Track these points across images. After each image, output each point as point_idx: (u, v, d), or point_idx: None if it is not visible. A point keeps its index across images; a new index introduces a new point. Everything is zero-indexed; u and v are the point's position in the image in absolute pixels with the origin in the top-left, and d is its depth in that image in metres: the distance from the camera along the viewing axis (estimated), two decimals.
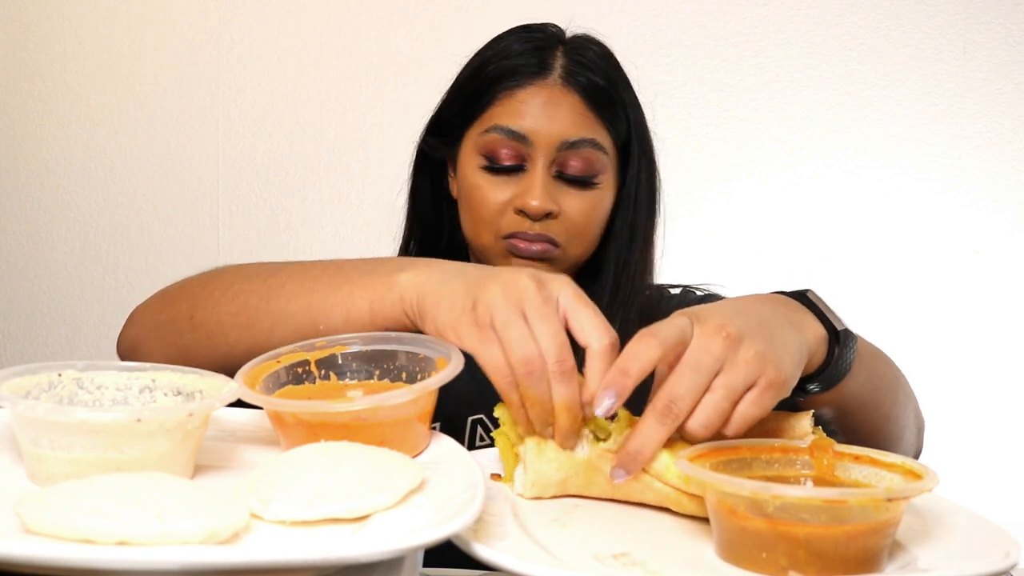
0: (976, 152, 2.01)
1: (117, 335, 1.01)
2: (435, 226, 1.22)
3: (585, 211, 1.10)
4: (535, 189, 1.08)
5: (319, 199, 2.17)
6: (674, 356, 0.71)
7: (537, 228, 1.08)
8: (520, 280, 0.74)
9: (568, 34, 1.16)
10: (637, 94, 1.17)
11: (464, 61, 1.18)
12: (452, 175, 1.19)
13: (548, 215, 1.08)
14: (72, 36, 2.23)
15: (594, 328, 0.73)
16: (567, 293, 0.75)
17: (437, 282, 0.79)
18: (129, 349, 0.99)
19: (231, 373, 0.81)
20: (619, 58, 1.18)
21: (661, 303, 1.19)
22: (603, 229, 1.15)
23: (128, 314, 1.01)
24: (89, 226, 2.24)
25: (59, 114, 2.25)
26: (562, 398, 0.71)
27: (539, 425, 0.73)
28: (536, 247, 1.09)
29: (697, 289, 1.23)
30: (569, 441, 0.73)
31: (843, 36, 2.04)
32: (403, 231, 1.24)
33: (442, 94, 1.19)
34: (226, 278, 0.94)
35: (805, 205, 2.05)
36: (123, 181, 2.23)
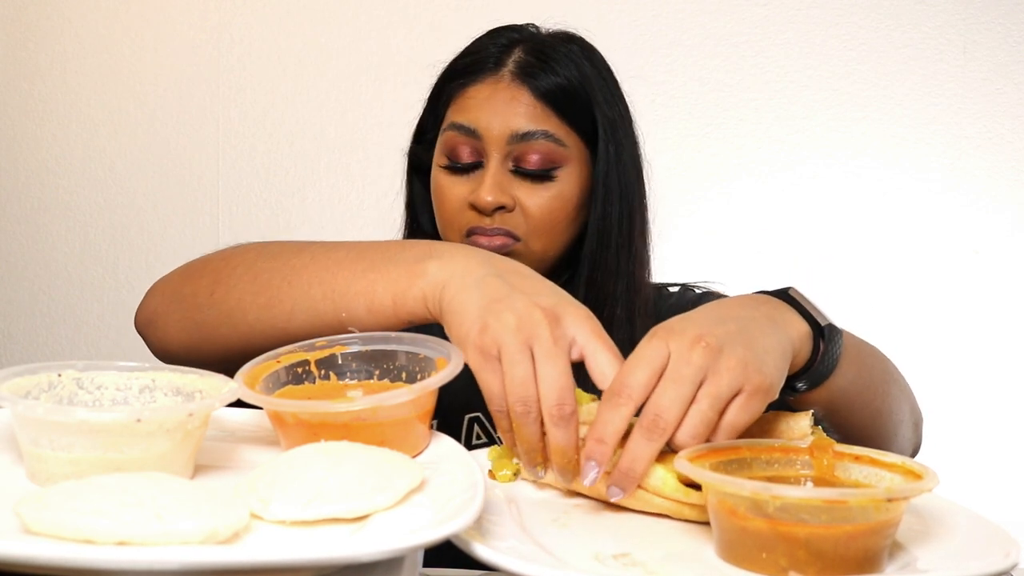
0: (976, 152, 2.01)
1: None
2: (431, 232, 1.22)
3: (542, 204, 1.10)
4: (486, 183, 1.08)
5: (319, 199, 2.17)
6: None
7: (496, 223, 1.08)
8: (534, 314, 0.72)
9: (547, 31, 1.16)
10: (625, 93, 1.17)
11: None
12: None
13: (501, 208, 1.08)
14: (72, 36, 2.23)
15: (612, 375, 0.71)
16: (585, 331, 0.73)
17: (458, 288, 0.77)
18: (146, 323, 0.96)
19: (248, 353, 0.80)
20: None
21: (660, 302, 1.19)
22: (570, 224, 1.13)
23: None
24: (89, 226, 2.24)
25: (59, 114, 2.25)
26: (557, 442, 0.70)
27: (525, 461, 0.73)
28: (496, 242, 1.09)
29: (696, 287, 1.23)
30: (565, 478, 0.72)
31: (843, 36, 2.04)
32: (403, 236, 1.25)
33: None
34: (249, 255, 0.91)
35: (805, 205, 2.05)
36: (123, 181, 2.23)
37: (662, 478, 0.70)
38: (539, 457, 0.72)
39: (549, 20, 1.19)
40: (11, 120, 2.26)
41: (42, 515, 0.53)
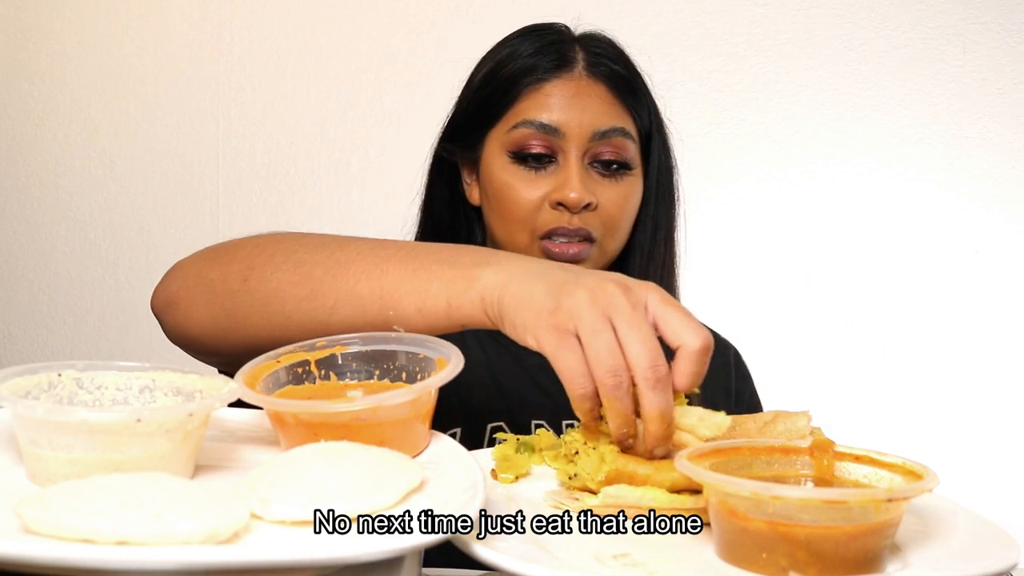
0: (976, 152, 2.01)
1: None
2: (452, 233, 1.20)
3: (620, 201, 1.10)
4: (572, 181, 1.06)
5: (319, 199, 2.17)
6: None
7: (576, 222, 1.07)
8: (607, 287, 0.70)
9: (577, 32, 1.16)
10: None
11: (465, 61, 1.17)
12: (470, 181, 1.18)
13: (586, 207, 1.07)
14: (72, 36, 2.23)
15: (687, 330, 0.69)
16: (655, 297, 0.71)
17: (519, 283, 0.74)
18: (166, 305, 0.92)
19: (280, 342, 0.79)
20: None
21: None
22: (633, 221, 1.14)
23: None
24: (89, 226, 2.24)
25: (59, 114, 2.25)
26: (656, 407, 0.68)
27: (618, 436, 0.70)
28: (573, 249, 1.07)
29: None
30: (660, 448, 0.70)
31: (843, 36, 2.04)
32: (415, 238, 1.23)
33: (448, 96, 1.19)
34: (286, 244, 0.88)
35: (805, 205, 2.05)
36: (123, 181, 2.23)
37: (654, 497, 0.71)
38: (633, 428, 0.70)
39: (551, 20, 1.19)
40: (11, 120, 2.27)
41: (42, 515, 0.53)
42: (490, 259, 0.79)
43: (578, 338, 0.69)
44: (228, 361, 0.87)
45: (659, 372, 0.67)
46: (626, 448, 0.72)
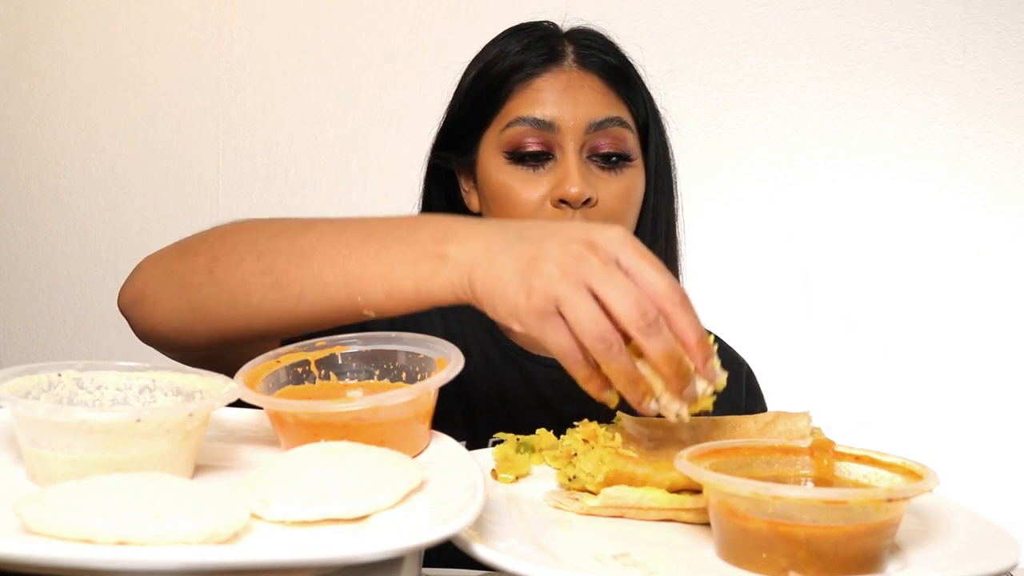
0: (976, 152, 2.01)
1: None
2: None
3: (621, 195, 1.08)
4: (572, 175, 1.04)
5: (319, 199, 2.17)
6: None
7: (578, 217, 1.05)
8: (572, 250, 0.69)
9: (565, 28, 1.16)
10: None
11: (462, 64, 1.17)
12: (468, 187, 1.16)
13: (587, 202, 1.05)
14: (72, 36, 2.23)
15: (664, 288, 0.68)
16: (627, 251, 0.70)
17: (487, 265, 0.72)
18: (132, 302, 0.92)
19: (248, 332, 0.78)
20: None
21: None
22: (637, 216, 1.12)
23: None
24: (89, 226, 2.24)
25: (59, 114, 2.25)
26: (658, 351, 0.67)
27: (631, 396, 0.70)
28: None
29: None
30: (687, 390, 0.69)
31: (843, 36, 2.04)
32: None
33: (443, 99, 1.18)
34: (249, 234, 0.86)
35: (805, 205, 2.05)
36: (123, 181, 2.23)
37: (654, 498, 0.71)
38: (643, 385, 0.69)
39: (548, 19, 1.19)
40: (11, 120, 2.27)
41: (42, 515, 0.53)
42: (448, 233, 0.76)
43: (561, 312, 0.68)
44: (197, 357, 0.87)
45: (649, 317, 0.67)
46: (647, 412, 0.70)
